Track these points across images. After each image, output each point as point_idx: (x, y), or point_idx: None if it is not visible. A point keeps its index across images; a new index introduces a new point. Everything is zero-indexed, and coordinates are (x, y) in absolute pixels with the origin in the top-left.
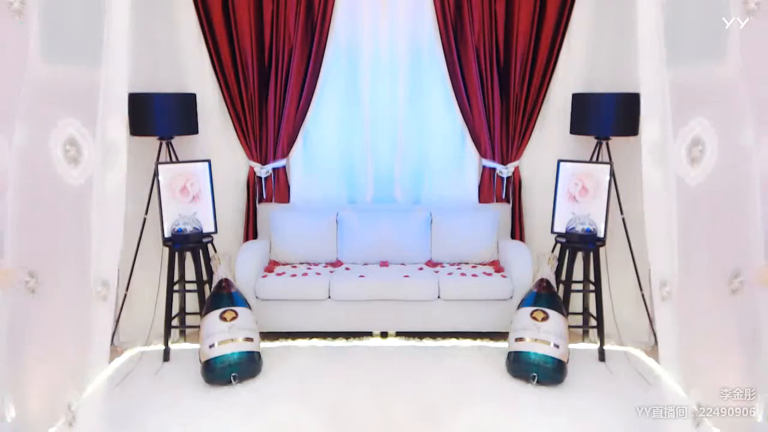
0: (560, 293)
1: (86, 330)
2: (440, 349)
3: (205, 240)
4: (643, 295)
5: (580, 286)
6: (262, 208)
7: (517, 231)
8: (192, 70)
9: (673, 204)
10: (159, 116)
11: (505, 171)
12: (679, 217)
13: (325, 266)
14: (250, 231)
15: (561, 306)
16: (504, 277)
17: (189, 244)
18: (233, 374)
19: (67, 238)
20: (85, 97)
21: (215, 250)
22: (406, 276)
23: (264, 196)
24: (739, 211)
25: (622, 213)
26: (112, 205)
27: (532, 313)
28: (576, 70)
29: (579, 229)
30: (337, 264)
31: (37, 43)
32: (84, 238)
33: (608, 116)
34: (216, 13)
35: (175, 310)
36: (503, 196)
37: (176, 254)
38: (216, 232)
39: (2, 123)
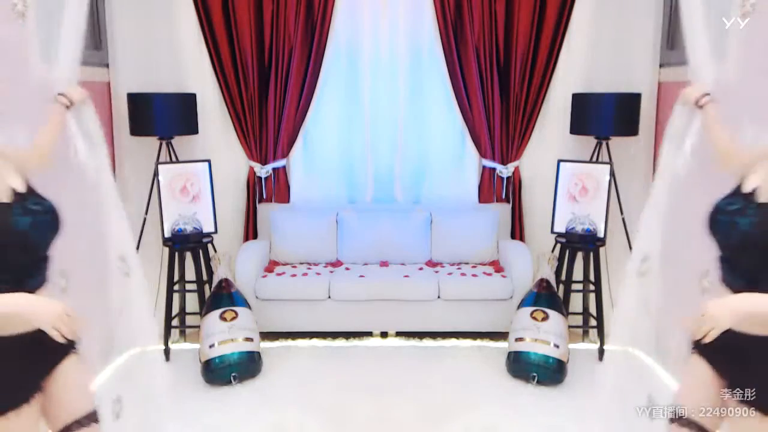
0: (560, 293)
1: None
2: (440, 349)
3: (205, 240)
4: None
5: (580, 286)
6: (262, 208)
7: (517, 231)
8: (192, 70)
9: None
10: (159, 116)
11: (505, 171)
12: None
13: (325, 266)
14: (250, 231)
15: (561, 306)
16: (504, 277)
17: (189, 244)
18: (233, 374)
19: (87, 236)
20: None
21: (215, 250)
22: (406, 276)
23: (264, 196)
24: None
25: (622, 213)
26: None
27: (532, 313)
28: (576, 70)
29: (579, 229)
30: (337, 264)
31: (37, 43)
32: (101, 235)
33: (608, 116)
34: (216, 13)
35: (175, 310)
36: (503, 196)
37: (176, 254)
38: (216, 232)
39: (4, 124)
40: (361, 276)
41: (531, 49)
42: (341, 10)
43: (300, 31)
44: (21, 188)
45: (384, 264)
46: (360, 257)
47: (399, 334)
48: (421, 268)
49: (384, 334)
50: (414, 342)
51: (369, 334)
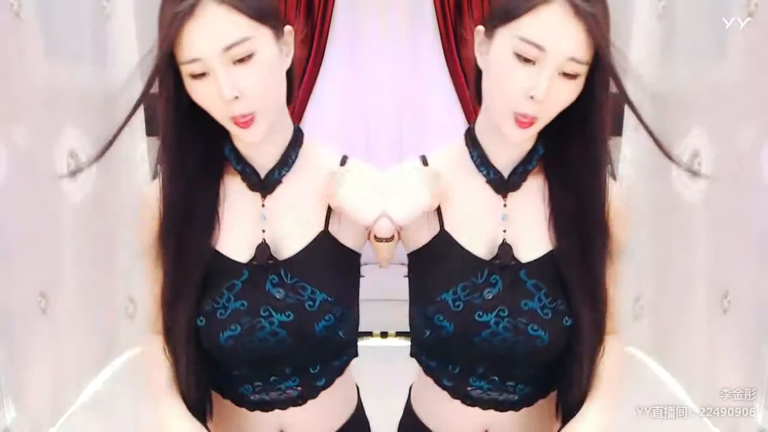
0: None
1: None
2: None
3: None
4: None
5: None
6: None
7: None
8: None
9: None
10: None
11: None
12: (672, 231)
13: None
14: None
15: None
16: None
17: None
18: None
19: (74, 255)
20: (90, 100)
21: None
22: (406, 276)
23: None
24: (732, 224)
25: None
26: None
27: None
28: None
29: None
30: None
31: (38, 42)
32: (92, 256)
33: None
34: None
35: None
36: None
37: None
38: None
39: (2, 128)
40: (361, 276)
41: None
42: (341, 10)
43: (300, 31)
44: (290, 251)
45: None
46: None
47: (399, 334)
48: None
49: (384, 334)
50: None
51: (369, 334)
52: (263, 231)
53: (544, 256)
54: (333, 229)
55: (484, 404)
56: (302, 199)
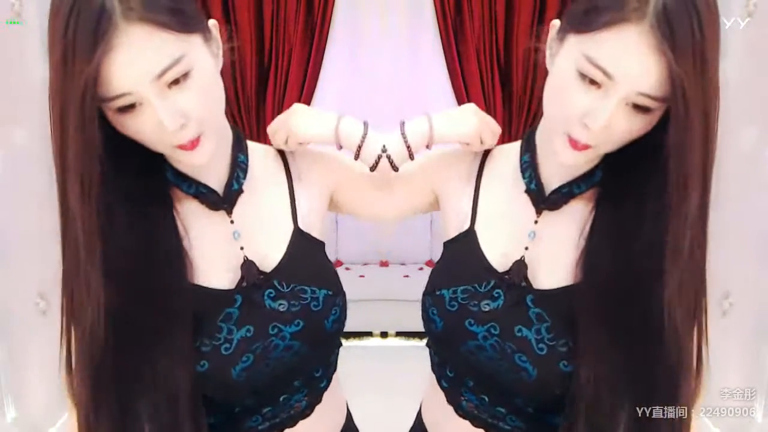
0: None
1: None
2: None
3: None
4: None
5: None
6: None
7: None
8: None
9: None
10: None
11: None
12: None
13: None
14: None
15: None
16: None
17: None
18: None
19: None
20: None
21: None
22: (406, 276)
23: None
24: (732, 224)
25: None
26: None
27: None
28: None
29: None
30: (336, 264)
31: (38, 42)
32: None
33: None
34: (216, 13)
35: None
36: None
37: None
38: None
39: (2, 128)
40: (361, 276)
41: (533, 49)
42: (341, 10)
43: (300, 31)
44: (274, 259)
45: (384, 264)
46: (360, 257)
47: (399, 334)
48: (421, 268)
49: (384, 334)
50: (414, 342)
51: (369, 334)
52: (241, 248)
53: (562, 288)
54: (303, 225)
55: (474, 420)
56: (265, 203)
